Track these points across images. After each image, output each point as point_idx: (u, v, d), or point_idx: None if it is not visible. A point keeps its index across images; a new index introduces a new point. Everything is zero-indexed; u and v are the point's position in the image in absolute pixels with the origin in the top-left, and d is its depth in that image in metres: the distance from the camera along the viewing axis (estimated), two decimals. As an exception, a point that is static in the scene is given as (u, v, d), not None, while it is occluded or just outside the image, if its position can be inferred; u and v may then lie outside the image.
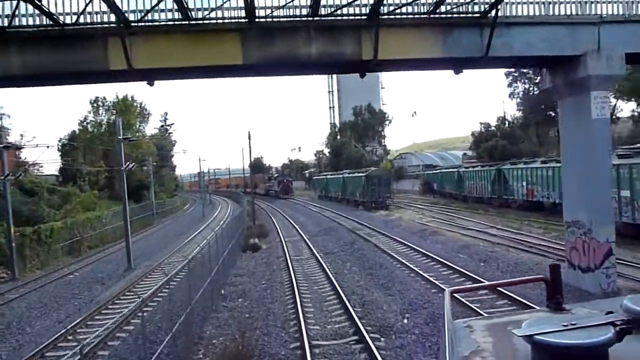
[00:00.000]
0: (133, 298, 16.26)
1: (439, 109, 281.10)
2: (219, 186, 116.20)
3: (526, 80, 54.15)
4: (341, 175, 52.49)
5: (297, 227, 35.26)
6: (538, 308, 2.21)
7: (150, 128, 74.95)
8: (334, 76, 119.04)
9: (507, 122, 47.36)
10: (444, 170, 55.85)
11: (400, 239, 24.63)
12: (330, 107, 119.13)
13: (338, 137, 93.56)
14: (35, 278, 22.67)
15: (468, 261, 18.41)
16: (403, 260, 19.19)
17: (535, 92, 53.26)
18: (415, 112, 75.91)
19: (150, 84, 12.04)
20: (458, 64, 12.34)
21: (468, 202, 45.27)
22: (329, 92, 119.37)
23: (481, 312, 11.43)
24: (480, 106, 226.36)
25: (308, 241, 27.51)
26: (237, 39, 11.13)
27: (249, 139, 38.09)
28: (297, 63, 11.70)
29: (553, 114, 51.35)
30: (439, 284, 14.69)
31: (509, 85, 55.11)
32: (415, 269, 17.45)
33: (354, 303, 13.85)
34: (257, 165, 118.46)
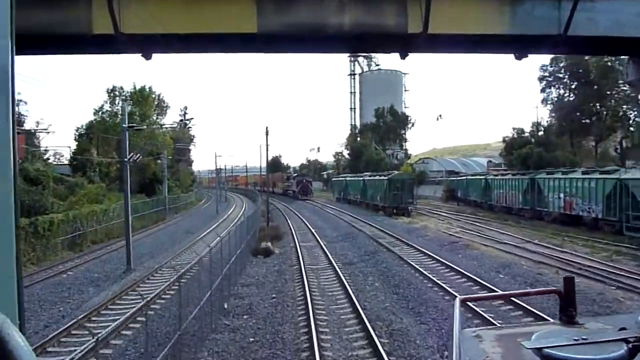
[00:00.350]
0: (121, 310, 14.19)
1: (460, 115, 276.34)
2: (237, 184, 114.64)
3: (561, 86, 51.15)
4: (361, 178, 50.06)
5: (313, 230, 32.99)
6: (551, 321, 1.93)
7: (169, 121, 73.64)
8: (356, 77, 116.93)
9: (542, 129, 44.25)
10: (469, 177, 52.94)
11: (428, 252, 22.17)
12: (351, 109, 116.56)
13: (358, 139, 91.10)
14: (26, 275, 20.78)
15: (511, 283, 15.88)
16: (434, 278, 16.75)
17: (571, 99, 50.28)
18: (440, 116, 72.88)
19: (146, 56, 9.87)
20: (525, 45, 9.91)
21: (495, 212, 42.57)
22: (350, 92, 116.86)
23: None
24: (506, 113, 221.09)
25: (325, 248, 25.21)
26: (252, 1, 8.90)
27: (267, 135, 35.74)
28: (325, 35, 9.40)
29: (589, 121, 48.37)
30: (481, 312, 12.24)
31: (542, 90, 52.20)
32: (450, 290, 14.98)
33: (380, 332, 11.50)
34: (274, 164, 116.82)
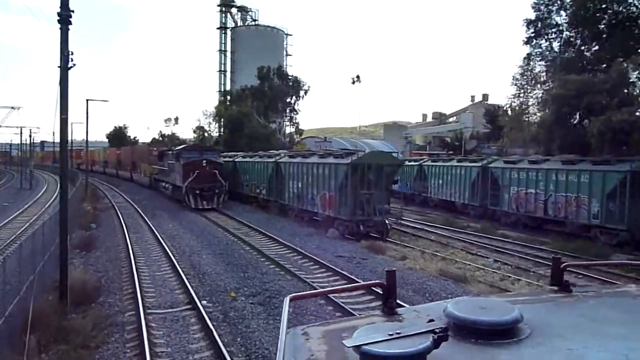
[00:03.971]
0: None
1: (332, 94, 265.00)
2: (81, 162, 76.60)
3: (556, 33, 35.19)
4: (272, 160, 28.26)
5: (203, 311, 11.12)
6: (375, 313, 1.93)
7: None
8: (228, 32, 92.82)
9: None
10: (454, 164, 33.10)
11: None
12: (220, 71, 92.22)
13: (233, 107, 68.63)
14: None
15: None
16: None
17: (572, 52, 34.68)
18: (358, 77, 54.14)
19: None
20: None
21: (501, 221, 25.31)
22: (220, 51, 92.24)
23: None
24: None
25: None
26: None
27: (64, 26, 11.69)
28: None
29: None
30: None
31: (527, 41, 35.77)
32: None
33: None
34: (118, 137, 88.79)
